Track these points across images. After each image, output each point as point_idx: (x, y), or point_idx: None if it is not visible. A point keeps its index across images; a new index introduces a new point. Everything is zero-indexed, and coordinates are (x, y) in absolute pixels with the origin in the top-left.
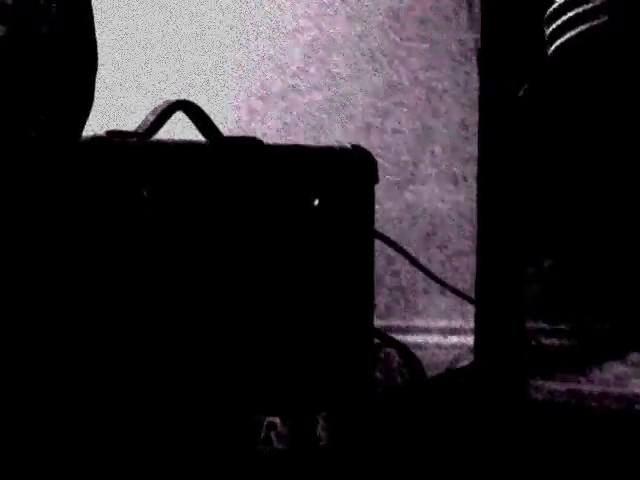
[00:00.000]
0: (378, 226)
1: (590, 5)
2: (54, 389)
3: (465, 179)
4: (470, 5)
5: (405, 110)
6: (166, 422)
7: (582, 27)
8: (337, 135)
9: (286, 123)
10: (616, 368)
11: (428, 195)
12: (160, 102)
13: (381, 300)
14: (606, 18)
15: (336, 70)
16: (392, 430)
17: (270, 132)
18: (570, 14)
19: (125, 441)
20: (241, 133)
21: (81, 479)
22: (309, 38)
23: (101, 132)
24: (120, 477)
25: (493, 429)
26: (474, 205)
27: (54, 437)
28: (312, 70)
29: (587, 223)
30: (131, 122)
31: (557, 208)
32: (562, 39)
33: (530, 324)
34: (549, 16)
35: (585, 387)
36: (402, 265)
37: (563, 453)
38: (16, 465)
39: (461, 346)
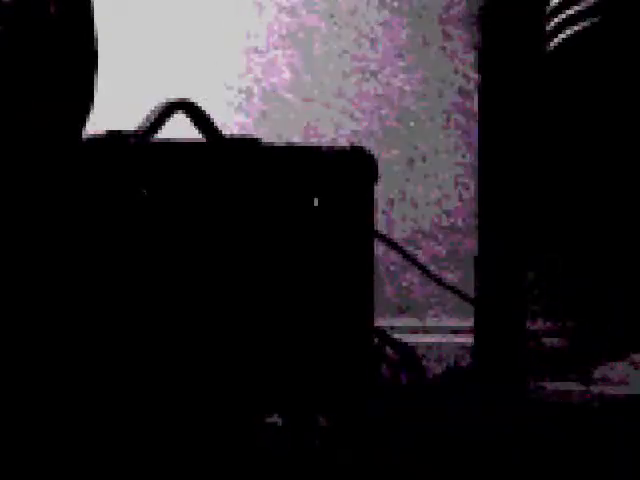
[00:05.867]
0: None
1: (591, 2)
2: (54, 389)
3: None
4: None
5: None
6: (166, 423)
7: (582, 25)
8: (338, 136)
9: (286, 123)
10: (616, 368)
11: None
12: (160, 102)
13: (381, 300)
14: (601, 17)
15: (338, 70)
16: (392, 430)
17: (270, 132)
18: (569, 12)
19: (125, 441)
20: (241, 133)
21: (82, 479)
22: (310, 39)
23: (101, 132)
24: (120, 477)
25: (493, 429)
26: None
27: (54, 437)
28: (313, 71)
29: (587, 223)
30: (131, 122)
31: (557, 208)
32: (561, 36)
33: (530, 324)
34: (548, 13)
35: (585, 387)
36: (402, 265)
37: (563, 453)
38: (16, 465)
39: (461, 346)
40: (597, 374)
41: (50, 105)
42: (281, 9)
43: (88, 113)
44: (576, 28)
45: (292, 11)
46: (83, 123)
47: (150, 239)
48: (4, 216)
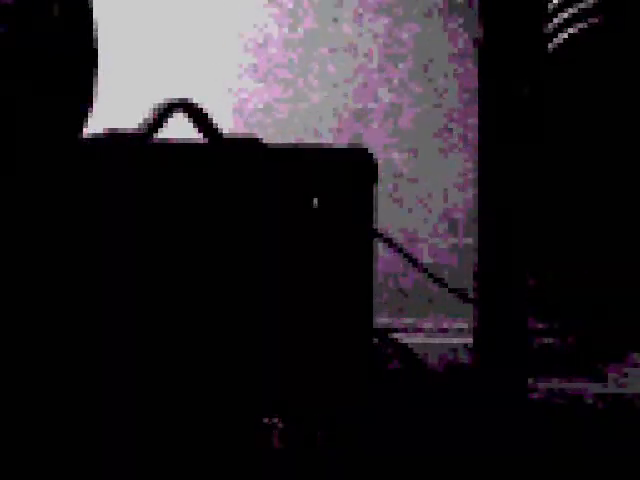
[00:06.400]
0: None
1: (591, 1)
2: (54, 388)
3: None
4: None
5: None
6: (167, 423)
7: (581, 25)
8: (340, 136)
9: (286, 123)
10: (616, 368)
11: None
12: (160, 102)
13: (381, 300)
14: (603, 16)
15: (337, 71)
16: (392, 430)
17: (270, 132)
18: (571, 11)
19: (127, 441)
20: (241, 132)
21: (85, 479)
22: (310, 40)
23: (101, 132)
24: (122, 477)
25: (493, 429)
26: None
27: (54, 436)
28: (314, 72)
29: (587, 224)
30: (131, 122)
31: (557, 208)
32: (561, 36)
33: (530, 324)
34: (550, 13)
35: (585, 387)
36: (402, 265)
37: (563, 452)
38: (16, 465)
39: (461, 346)
40: (596, 374)
41: (50, 105)
42: None
43: (88, 113)
44: (575, 30)
45: None
46: (83, 123)
47: (150, 239)
48: (3, 215)
